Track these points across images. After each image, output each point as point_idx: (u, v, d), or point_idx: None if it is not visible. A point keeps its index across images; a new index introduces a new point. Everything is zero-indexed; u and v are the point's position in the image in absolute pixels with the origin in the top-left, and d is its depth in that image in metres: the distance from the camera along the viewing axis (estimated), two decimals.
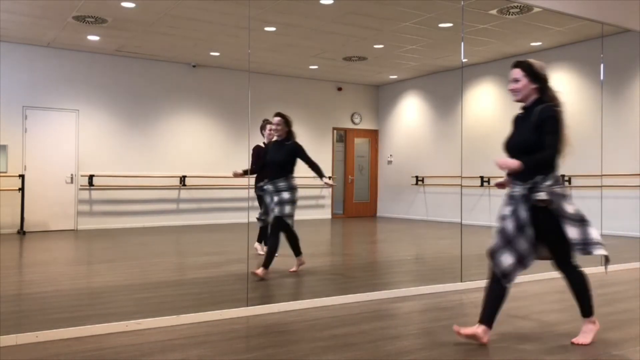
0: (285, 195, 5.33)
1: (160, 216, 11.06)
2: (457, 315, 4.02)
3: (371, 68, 11.78)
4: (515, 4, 7.38)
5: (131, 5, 7.61)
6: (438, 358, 3.03)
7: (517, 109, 3.40)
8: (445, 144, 12.21)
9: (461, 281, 5.05)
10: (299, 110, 12.52)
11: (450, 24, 8.48)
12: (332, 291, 4.88)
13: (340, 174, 13.69)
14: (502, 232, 3.29)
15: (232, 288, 4.90)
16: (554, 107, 3.20)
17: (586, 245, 3.14)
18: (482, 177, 11.05)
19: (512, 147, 3.30)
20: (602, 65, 8.00)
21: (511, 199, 3.29)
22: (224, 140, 11.78)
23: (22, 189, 9.44)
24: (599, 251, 3.15)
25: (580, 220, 3.16)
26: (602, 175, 7.89)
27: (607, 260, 3.26)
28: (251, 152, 6.58)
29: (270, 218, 5.39)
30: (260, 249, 6.67)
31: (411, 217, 12.91)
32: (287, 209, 5.32)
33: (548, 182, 3.16)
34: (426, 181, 12.63)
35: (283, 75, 12.35)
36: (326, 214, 12.99)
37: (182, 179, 11.23)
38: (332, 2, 7.53)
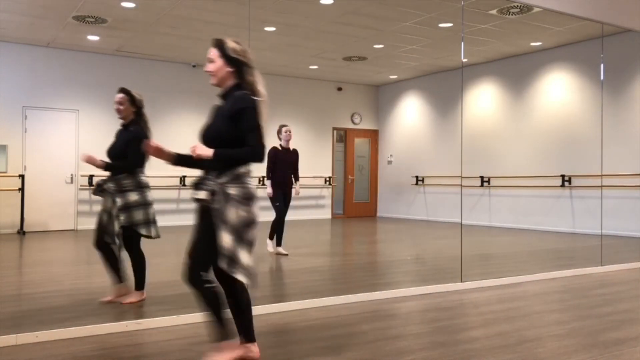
0: (132, 196, 4.13)
1: (160, 216, 11.03)
2: (457, 315, 4.02)
3: (371, 68, 11.78)
4: (515, 4, 7.38)
5: (131, 5, 7.61)
6: (438, 358, 3.03)
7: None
8: (445, 144, 12.21)
9: (461, 281, 5.05)
10: (299, 110, 12.52)
11: (450, 24, 8.48)
12: (332, 291, 4.87)
13: (340, 174, 13.69)
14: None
15: None
16: (251, 97, 2.82)
17: (232, 263, 2.70)
18: (482, 177, 11.05)
19: (206, 138, 2.91)
20: (602, 65, 7.99)
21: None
22: None
23: (22, 189, 9.44)
24: (241, 277, 2.71)
25: (239, 236, 2.71)
26: (602, 175, 7.89)
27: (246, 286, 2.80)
28: (267, 154, 6.73)
29: (116, 229, 4.10)
30: (272, 246, 6.70)
31: (411, 217, 12.90)
32: (139, 215, 4.17)
33: (222, 180, 2.73)
34: (426, 181, 12.63)
35: (283, 75, 12.34)
36: (326, 214, 12.99)
37: (182, 179, 11.23)
38: (332, 2, 7.53)
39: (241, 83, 2.90)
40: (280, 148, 6.80)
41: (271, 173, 6.70)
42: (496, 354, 3.09)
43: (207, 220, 2.75)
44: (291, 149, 6.90)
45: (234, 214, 2.70)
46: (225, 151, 2.74)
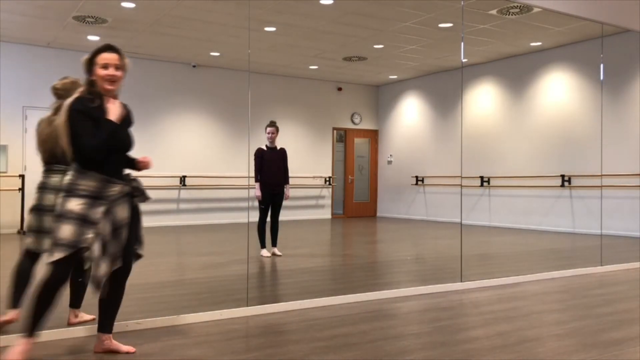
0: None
1: (160, 216, 11.06)
2: (457, 315, 4.02)
3: (371, 68, 11.78)
4: (515, 4, 7.38)
5: (131, 5, 7.61)
6: (438, 358, 3.03)
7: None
8: (445, 144, 12.21)
9: (461, 281, 5.05)
10: (299, 110, 12.52)
11: (450, 24, 8.48)
12: (332, 291, 4.87)
13: (340, 174, 13.69)
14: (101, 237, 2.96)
15: (232, 288, 4.90)
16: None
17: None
18: (482, 177, 11.05)
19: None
20: (602, 65, 8.00)
21: (105, 198, 3.02)
22: (224, 140, 11.78)
23: (22, 189, 9.44)
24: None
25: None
26: (602, 175, 7.90)
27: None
28: (253, 154, 6.75)
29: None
30: (266, 252, 6.68)
31: (411, 217, 12.90)
32: None
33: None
34: (426, 181, 12.63)
35: (283, 75, 12.34)
36: (326, 214, 12.99)
37: (182, 179, 11.23)
38: (332, 2, 7.53)
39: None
40: (265, 148, 6.77)
41: (258, 174, 6.68)
42: (496, 354, 3.09)
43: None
44: (278, 147, 6.84)
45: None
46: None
